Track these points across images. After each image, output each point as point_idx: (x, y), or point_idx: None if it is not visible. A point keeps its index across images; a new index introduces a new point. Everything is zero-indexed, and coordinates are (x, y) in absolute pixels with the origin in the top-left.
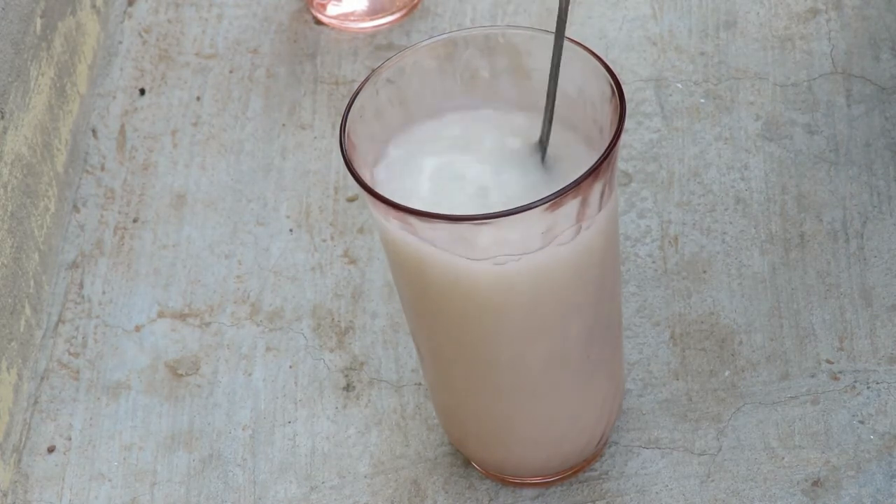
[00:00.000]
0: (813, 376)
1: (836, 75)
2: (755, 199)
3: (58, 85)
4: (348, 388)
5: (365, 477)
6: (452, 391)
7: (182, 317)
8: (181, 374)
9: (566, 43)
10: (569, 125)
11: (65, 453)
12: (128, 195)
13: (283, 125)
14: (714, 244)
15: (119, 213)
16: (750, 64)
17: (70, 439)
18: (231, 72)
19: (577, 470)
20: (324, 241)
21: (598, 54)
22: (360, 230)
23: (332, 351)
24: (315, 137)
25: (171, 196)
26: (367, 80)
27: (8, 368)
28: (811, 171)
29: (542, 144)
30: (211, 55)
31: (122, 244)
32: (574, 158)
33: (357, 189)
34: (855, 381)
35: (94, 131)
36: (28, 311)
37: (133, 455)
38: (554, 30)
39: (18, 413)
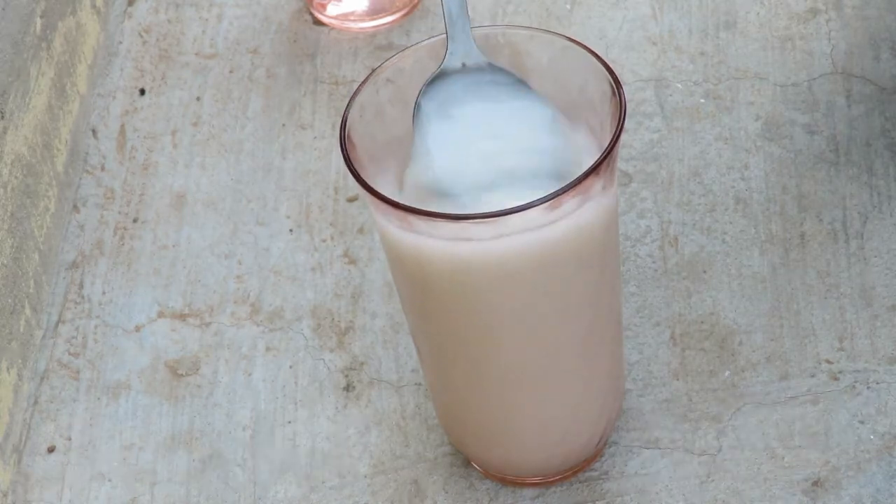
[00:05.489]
0: (813, 376)
1: (836, 75)
2: (755, 199)
3: (58, 85)
4: (348, 388)
5: (365, 477)
6: (452, 391)
7: (182, 317)
8: (181, 374)
9: (566, 43)
10: (571, 122)
11: (65, 453)
12: (128, 195)
13: (283, 125)
14: (714, 244)
15: (119, 213)
16: (750, 64)
17: (70, 439)
18: (231, 72)
19: (577, 470)
20: (324, 241)
21: (599, 54)
22: (360, 230)
23: (332, 351)
24: (315, 137)
25: (171, 196)
26: (367, 80)
27: (8, 368)
28: (811, 171)
29: None
30: (211, 55)
31: (122, 244)
32: (575, 154)
33: (357, 189)
34: (855, 381)
35: (94, 131)
36: (28, 311)
37: (133, 455)
38: (553, 30)
39: (18, 413)
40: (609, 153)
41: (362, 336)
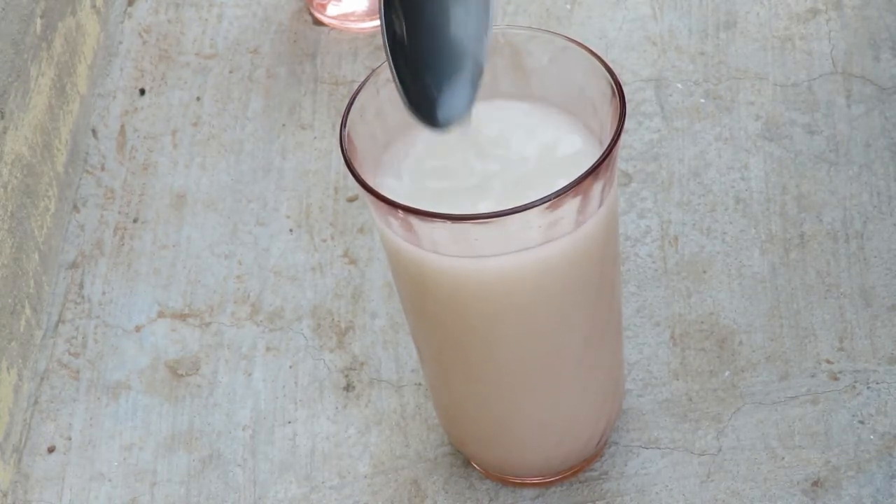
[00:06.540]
0: (813, 376)
1: (836, 75)
2: (755, 199)
3: (58, 85)
4: (348, 388)
5: (365, 477)
6: (452, 391)
7: (182, 317)
8: (181, 374)
9: (566, 43)
10: (571, 122)
11: (65, 453)
12: (128, 195)
13: (283, 125)
14: (714, 244)
15: (119, 213)
16: (750, 64)
17: (70, 439)
18: (231, 72)
19: (577, 470)
20: (324, 241)
21: (599, 54)
22: (360, 230)
23: (332, 351)
24: (315, 137)
25: (171, 196)
26: (367, 80)
27: (8, 368)
28: (811, 171)
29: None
30: (211, 55)
31: (122, 244)
32: (575, 155)
33: (357, 189)
34: (855, 381)
35: (94, 131)
36: (28, 311)
37: (133, 455)
38: (553, 30)
39: (18, 413)
40: (609, 153)
41: (362, 336)
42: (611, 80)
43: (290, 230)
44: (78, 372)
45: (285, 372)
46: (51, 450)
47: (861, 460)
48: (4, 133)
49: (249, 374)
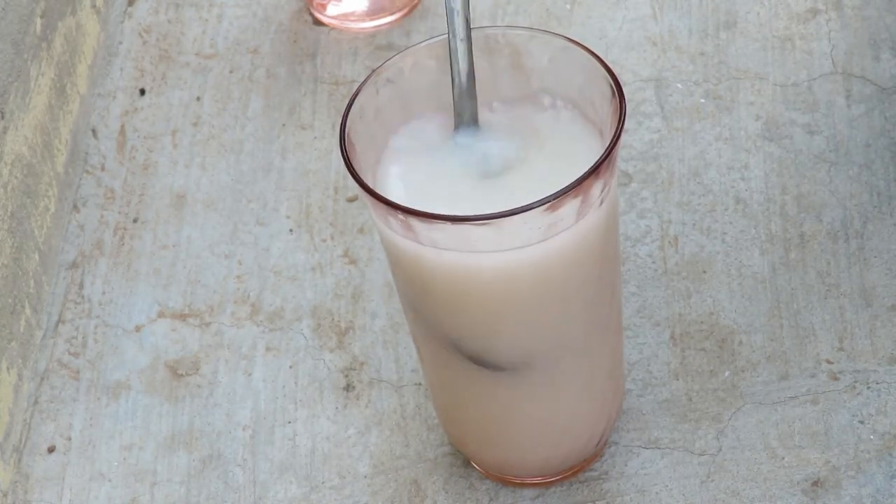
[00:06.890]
0: (813, 376)
1: (836, 75)
2: (755, 199)
3: (58, 85)
4: (348, 388)
5: (365, 477)
6: (452, 391)
7: (182, 317)
8: (181, 374)
9: (566, 43)
10: (571, 121)
11: (65, 453)
12: (128, 195)
13: (283, 125)
14: (714, 244)
15: (119, 213)
16: (750, 64)
17: (70, 439)
18: (231, 72)
19: (577, 470)
20: (324, 241)
21: (598, 54)
22: (360, 230)
23: (332, 351)
24: (315, 137)
25: (171, 196)
26: (367, 80)
27: (8, 368)
28: (811, 171)
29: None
30: (211, 55)
31: (122, 244)
32: (575, 155)
33: (357, 189)
34: (855, 381)
35: (94, 131)
36: (28, 311)
37: (133, 455)
38: (553, 30)
39: (18, 413)
40: (609, 153)
41: (362, 336)
42: (611, 80)
43: (290, 230)
44: (78, 372)
45: (285, 372)
46: (51, 450)
47: (861, 460)
48: (4, 133)
49: (249, 374)
